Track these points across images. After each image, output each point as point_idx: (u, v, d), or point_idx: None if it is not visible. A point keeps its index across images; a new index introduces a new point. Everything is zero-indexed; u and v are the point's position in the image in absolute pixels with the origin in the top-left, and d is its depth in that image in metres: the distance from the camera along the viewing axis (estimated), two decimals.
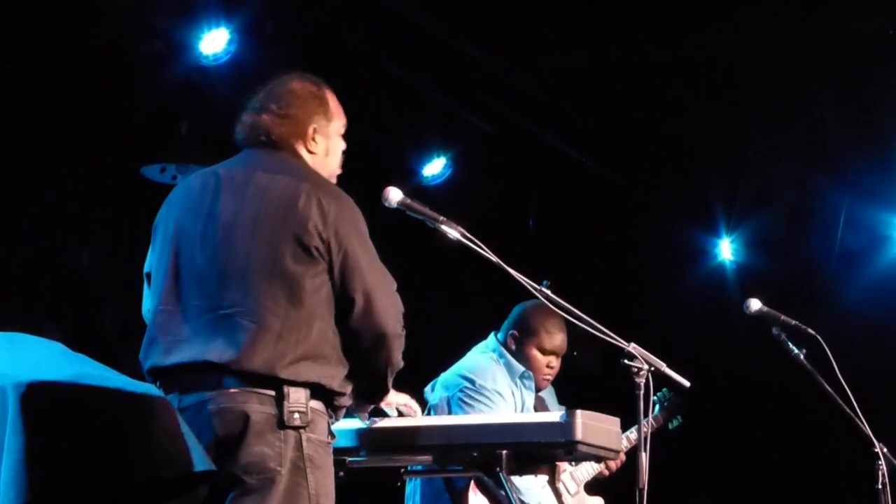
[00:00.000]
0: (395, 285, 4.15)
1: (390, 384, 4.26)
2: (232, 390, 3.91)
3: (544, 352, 5.97)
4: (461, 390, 5.71)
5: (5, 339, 3.63)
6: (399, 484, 4.91)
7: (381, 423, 4.49)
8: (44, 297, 7.27)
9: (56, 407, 3.36)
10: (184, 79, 7.11)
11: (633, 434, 5.92)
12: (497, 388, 5.76)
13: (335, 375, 4.01)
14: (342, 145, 4.40)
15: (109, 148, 7.31)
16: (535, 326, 5.98)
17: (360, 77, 7.73)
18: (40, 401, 3.32)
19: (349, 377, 4.09)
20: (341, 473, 4.36)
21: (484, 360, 5.92)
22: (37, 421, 3.30)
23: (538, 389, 6.04)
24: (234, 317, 3.95)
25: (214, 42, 6.95)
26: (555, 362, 6.03)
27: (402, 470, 4.85)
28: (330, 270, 4.00)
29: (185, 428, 3.59)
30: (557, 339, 5.97)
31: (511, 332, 6.02)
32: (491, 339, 6.06)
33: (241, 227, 4.04)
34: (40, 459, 3.27)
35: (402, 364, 4.19)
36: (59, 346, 3.68)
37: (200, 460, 3.55)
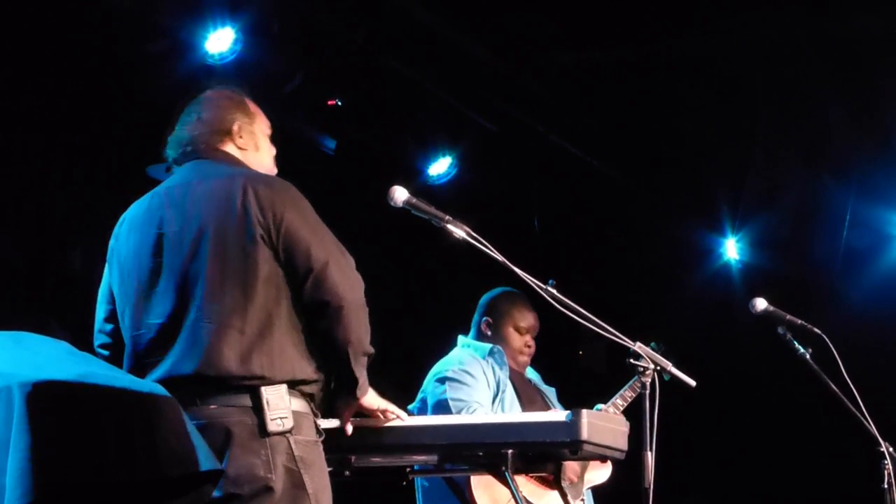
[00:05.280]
0: (351, 260, 4.08)
1: (356, 368, 4.06)
2: (211, 406, 3.92)
3: (520, 331, 6.11)
4: (443, 392, 5.77)
5: (11, 339, 3.63)
6: (405, 483, 4.91)
7: (387, 422, 4.49)
8: (48, 297, 7.27)
9: (61, 406, 3.36)
10: (189, 78, 7.11)
11: (610, 409, 6.01)
12: (465, 368, 5.86)
13: (307, 362, 4.00)
14: (272, 148, 4.43)
15: (114, 147, 7.31)
16: (507, 308, 6.14)
17: (365, 76, 7.74)
18: (46, 400, 3.33)
19: (319, 367, 4.05)
20: (347, 472, 4.36)
21: (447, 357, 6.03)
22: (42, 420, 3.30)
23: (521, 369, 6.16)
24: (195, 322, 3.96)
25: (220, 41, 6.95)
26: (531, 341, 6.17)
27: (408, 469, 4.85)
28: (276, 255, 4.00)
29: (190, 427, 3.60)
30: (530, 317, 6.12)
31: (484, 319, 6.17)
32: (458, 340, 6.18)
33: (188, 237, 4.06)
34: (46, 458, 3.27)
35: (368, 346, 4.05)
36: (64, 345, 3.68)
37: (206, 459, 3.55)
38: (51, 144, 7.06)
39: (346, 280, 4.02)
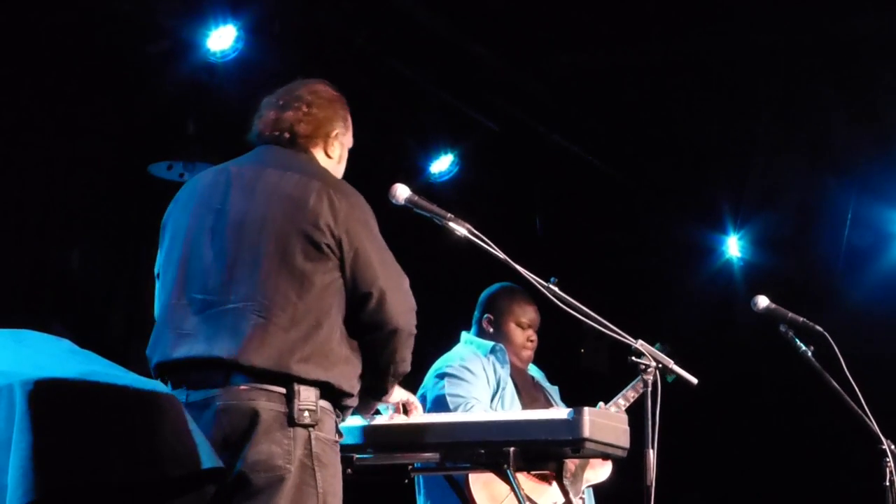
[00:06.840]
0: (407, 282, 4.13)
1: (391, 383, 4.20)
2: (241, 387, 3.89)
3: (522, 326, 6.11)
4: (441, 388, 5.78)
5: (12, 337, 3.63)
6: (406, 481, 4.91)
7: (389, 421, 4.49)
8: (50, 295, 7.27)
9: (63, 405, 3.35)
10: (191, 76, 7.11)
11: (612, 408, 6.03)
12: (465, 364, 5.86)
13: (345, 374, 3.99)
14: (345, 162, 4.42)
15: (117, 146, 7.32)
16: (508, 304, 6.13)
17: (366, 75, 7.74)
18: (48, 398, 3.32)
19: (359, 376, 4.08)
20: (349, 471, 4.35)
21: (449, 353, 6.04)
22: (44, 419, 3.29)
23: (525, 364, 6.15)
24: (242, 311, 3.93)
25: (221, 39, 6.95)
26: (533, 336, 6.15)
27: (410, 467, 4.85)
28: (342, 267, 3.99)
29: (192, 425, 3.59)
30: (531, 311, 6.12)
31: (485, 315, 6.15)
32: (461, 336, 6.18)
33: (250, 223, 4.02)
34: (48, 457, 3.26)
35: (408, 366, 4.15)
36: (66, 344, 3.68)
37: (208, 458, 3.55)
38: (52, 145, 7.06)
39: (402, 306, 4.07)
